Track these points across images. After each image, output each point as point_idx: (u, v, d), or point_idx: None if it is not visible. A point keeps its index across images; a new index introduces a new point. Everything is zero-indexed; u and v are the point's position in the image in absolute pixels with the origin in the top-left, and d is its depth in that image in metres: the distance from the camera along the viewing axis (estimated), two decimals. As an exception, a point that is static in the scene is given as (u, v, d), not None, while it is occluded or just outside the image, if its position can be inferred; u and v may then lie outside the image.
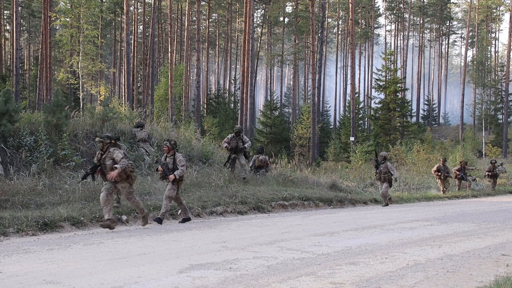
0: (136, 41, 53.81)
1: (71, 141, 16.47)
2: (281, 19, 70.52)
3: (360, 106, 52.52)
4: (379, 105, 46.01)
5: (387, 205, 18.35)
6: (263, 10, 69.55)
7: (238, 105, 46.62)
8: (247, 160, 18.66)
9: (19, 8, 42.58)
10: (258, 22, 68.42)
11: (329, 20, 73.99)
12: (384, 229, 11.30)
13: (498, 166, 26.81)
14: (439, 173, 23.25)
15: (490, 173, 26.28)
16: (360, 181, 24.53)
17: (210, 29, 71.93)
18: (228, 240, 9.54)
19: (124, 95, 39.33)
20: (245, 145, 17.61)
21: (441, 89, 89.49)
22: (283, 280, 6.44)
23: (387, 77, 45.37)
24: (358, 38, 70.97)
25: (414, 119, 64.52)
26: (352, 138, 38.95)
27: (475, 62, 67.44)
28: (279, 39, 75.37)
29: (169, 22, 53.92)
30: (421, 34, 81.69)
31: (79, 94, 31.71)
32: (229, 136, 17.90)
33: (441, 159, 24.36)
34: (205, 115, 53.50)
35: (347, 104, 58.48)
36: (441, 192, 23.00)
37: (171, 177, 12.02)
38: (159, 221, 11.93)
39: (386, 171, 18.41)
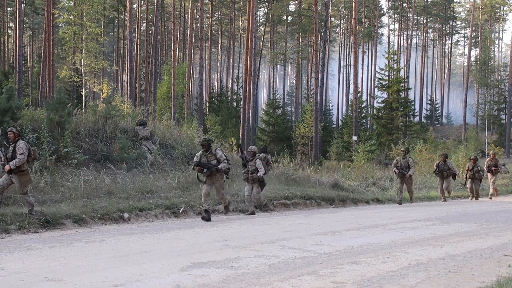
0: (139, 39, 53.82)
1: (73, 138, 16.49)
2: (284, 17, 70.41)
3: (362, 106, 52.39)
4: (381, 105, 45.96)
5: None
6: (266, 9, 69.43)
7: (241, 103, 46.59)
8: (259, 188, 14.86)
9: (22, 5, 42.60)
10: (261, 21, 68.30)
11: (332, 19, 73.88)
12: (386, 229, 11.28)
13: (487, 164, 23.02)
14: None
15: (470, 173, 21.88)
16: (362, 181, 24.50)
17: (213, 27, 71.85)
18: (230, 239, 9.53)
19: (127, 93, 39.36)
20: (221, 165, 12.37)
21: (444, 89, 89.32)
22: (285, 279, 6.43)
23: (390, 77, 45.29)
24: (361, 37, 70.82)
25: (416, 118, 64.35)
26: (354, 138, 38.87)
27: (478, 62, 67.27)
28: (282, 37, 75.26)
29: (172, 20, 53.84)
30: (424, 34, 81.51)
31: (82, 91, 31.76)
32: (198, 154, 12.75)
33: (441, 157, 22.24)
34: (207, 113, 53.46)
35: (349, 103, 58.30)
36: (445, 194, 20.83)
37: None
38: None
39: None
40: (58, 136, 15.90)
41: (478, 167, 22.00)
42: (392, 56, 46.08)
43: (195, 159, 12.45)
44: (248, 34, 38.70)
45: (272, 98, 54.63)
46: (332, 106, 75.63)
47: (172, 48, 49.92)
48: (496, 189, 22.88)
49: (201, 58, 42.17)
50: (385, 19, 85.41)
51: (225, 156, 12.55)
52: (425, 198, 21.14)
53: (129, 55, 37.05)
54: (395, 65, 45.91)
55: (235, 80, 67.43)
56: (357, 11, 48.29)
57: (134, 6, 50.06)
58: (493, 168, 22.60)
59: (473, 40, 76.42)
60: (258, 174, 14.06)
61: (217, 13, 76.64)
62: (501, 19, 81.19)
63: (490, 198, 22.16)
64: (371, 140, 38.95)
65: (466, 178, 22.31)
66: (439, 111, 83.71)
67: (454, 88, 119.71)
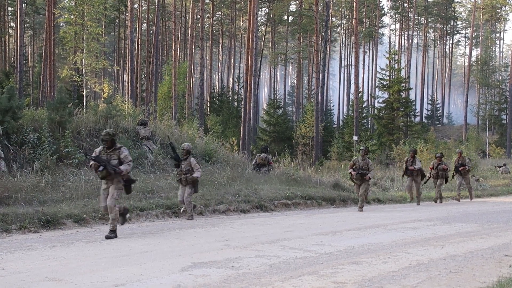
0: (140, 38, 53.82)
1: (74, 138, 16.49)
2: (285, 17, 70.43)
3: (363, 106, 52.38)
4: (382, 105, 45.93)
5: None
6: (267, 9, 69.46)
7: (242, 103, 46.60)
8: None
9: (23, 5, 42.58)
10: (262, 21, 68.24)
11: (333, 19, 73.87)
12: (387, 229, 11.28)
13: (466, 162, 20.80)
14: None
15: (434, 172, 20.13)
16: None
17: (214, 27, 71.81)
18: (231, 239, 9.53)
19: (128, 93, 39.35)
20: (122, 167, 10.08)
21: (445, 89, 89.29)
22: (285, 279, 6.43)
23: (391, 77, 45.25)
24: (362, 37, 70.84)
25: (417, 118, 64.31)
26: (355, 138, 38.86)
27: (479, 62, 67.28)
28: (283, 37, 75.30)
29: (173, 20, 53.78)
30: (425, 34, 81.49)
31: (83, 91, 31.77)
32: (97, 149, 10.56)
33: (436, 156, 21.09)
34: (208, 113, 53.47)
35: (350, 103, 58.32)
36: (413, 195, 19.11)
37: None
38: None
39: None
40: (59, 136, 15.89)
41: (444, 165, 19.96)
42: (393, 56, 46.05)
43: (93, 154, 10.25)
44: (249, 34, 38.70)
45: (273, 98, 54.65)
46: (333, 106, 75.63)
47: (173, 48, 49.88)
48: (470, 191, 21.30)
49: (202, 58, 42.19)
50: (386, 19, 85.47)
51: (131, 158, 10.27)
52: (425, 198, 21.10)
53: (130, 55, 37.06)
54: (396, 65, 45.88)
55: (236, 80, 67.45)
56: (358, 11, 48.28)
57: (135, 6, 50.03)
58: (460, 169, 20.51)
59: (474, 40, 76.44)
60: (195, 174, 12.64)
61: (218, 13, 76.68)
62: (502, 19, 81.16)
63: (458, 200, 20.46)
64: (372, 140, 38.97)
65: (429, 177, 20.19)
66: (440, 111, 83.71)
67: (455, 88, 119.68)
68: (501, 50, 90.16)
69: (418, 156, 30.83)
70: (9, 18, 62.33)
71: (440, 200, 19.87)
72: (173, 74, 43.72)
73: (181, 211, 12.96)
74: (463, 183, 20.92)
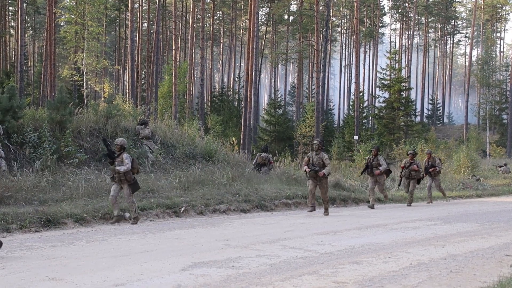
0: (141, 38, 53.81)
1: (74, 138, 16.49)
2: (286, 17, 70.43)
3: (364, 105, 52.36)
4: (383, 104, 45.95)
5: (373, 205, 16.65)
6: (267, 8, 69.46)
7: (242, 103, 46.63)
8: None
9: (24, 5, 42.60)
10: (262, 20, 68.24)
11: (334, 18, 73.87)
12: (388, 229, 11.28)
13: (435, 162, 19.79)
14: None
15: (405, 171, 18.67)
16: (364, 180, 24.42)
17: (214, 27, 71.85)
18: (231, 238, 9.53)
19: (128, 92, 39.37)
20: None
21: (445, 89, 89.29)
22: (286, 279, 6.42)
23: (392, 76, 45.27)
24: (363, 37, 70.85)
25: (418, 118, 64.36)
26: (356, 137, 38.83)
27: (479, 62, 67.27)
28: (284, 37, 75.27)
29: (174, 19, 53.84)
30: (426, 33, 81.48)
31: (83, 91, 31.73)
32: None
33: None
34: (209, 113, 53.49)
35: (351, 103, 58.32)
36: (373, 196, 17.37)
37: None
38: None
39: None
40: (60, 135, 15.89)
41: (416, 165, 18.58)
42: (394, 55, 46.06)
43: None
44: (249, 33, 38.68)
45: (273, 98, 54.66)
46: (334, 105, 75.63)
47: (174, 47, 49.93)
48: (443, 192, 20.20)
49: (203, 58, 42.18)
50: (386, 18, 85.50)
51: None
52: (426, 198, 21.07)
53: (131, 54, 37.07)
54: (397, 64, 45.88)
55: (236, 79, 67.48)
56: (359, 10, 48.24)
57: (136, 5, 50.01)
58: (431, 170, 19.47)
59: (474, 40, 76.39)
60: (121, 169, 11.62)
61: (218, 12, 76.70)
62: (502, 19, 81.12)
63: (429, 202, 19.39)
64: (373, 140, 38.91)
65: (400, 177, 18.95)
66: (441, 110, 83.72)
67: (455, 88, 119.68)
68: (502, 49, 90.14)
69: (418, 155, 31.06)
70: (9, 17, 62.33)
71: (410, 201, 18.37)
72: (173, 73, 43.73)
73: (181, 211, 12.94)
74: (433, 186, 19.79)
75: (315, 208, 14.34)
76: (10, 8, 60.74)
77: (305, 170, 14.36)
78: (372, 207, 16.62)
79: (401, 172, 18.87)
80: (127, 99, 30.62)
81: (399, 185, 19.40)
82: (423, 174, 19.34)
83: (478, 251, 8.58)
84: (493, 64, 69.27)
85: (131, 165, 11.77)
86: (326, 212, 14.29)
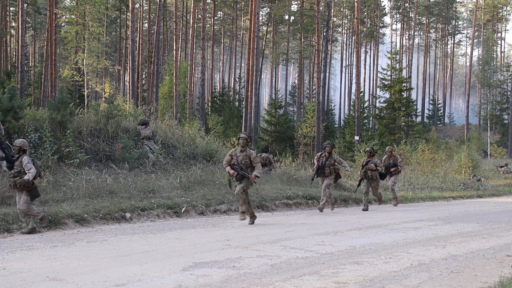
0: (141, 38, 53.81)
1: (75, 138, 16.50)
2: (287, 17, 70.45)
3: (365, 105, 52.33)
4: (384, 104, 45.88)
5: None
6: (268, 9, 69.49)
7: (243, 103, 46.61)
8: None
9: (25, 5, 42.61)
10: (263, 21, 68.29)
11: (335, 19, 73.87)
12: (388, 229, 11.27)
13: (396, 161, 18.33)
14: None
15: (362, 171, 16.83)
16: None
17: (215, 27, 71.89)
18: (232, 239, 9.53)
19: (129, 93, 39.34)
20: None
21: (446, 89, 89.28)
22: (287, 279, 6.42)
23: (392, 76, 45.22)
24: (364, 37, 70.84)
25: (419, 118, 64.33)
26: (356, 137, 38.81)
27: (480, 62, 67.24)
28: (284, 37, 75.29)
29: (174, 19, 53.88)
30: (426, 34, 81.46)
31: (84, 91, 31.73)
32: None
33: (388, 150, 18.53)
34: (209, 113, 53.48)
35: (352, 103, 58.32)
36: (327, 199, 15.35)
37: None
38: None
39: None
40: (60, 135, 15.90)
41: (375, 164, 16.63)
42: (394, 56, 46.01)
43: None
44: (250, 33, 38.68)
45: (274, 98, 54.60)
46: (334, 106, 75.60)
47: (174, 47, 49.92)
48: (396, 198, 18.21)
49: (203, 58, 42.19)
50: (387, 19, 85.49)
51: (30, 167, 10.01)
52: (427, 198, 21.09)
53: (131, 54, 37.04)
54: (397, 65, 45.83)
55: (237, 79, 67.47)
56: (359, 11, 48.26)
57: (137, 5, 50.02)
58: (392, 169, 18.09)
59: (475, 40, 76.39)
60: (25, 177, 10.22)
61: (219, 12, 76.70)
62: (503, 19, 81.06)
63: (395, 205, 17.99)
64: (373, 140, 38.88)
65: (361, 178, 16.98)
66: (442, 111, 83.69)
67: (456, 88, 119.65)
68: (503, 50, 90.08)
69: (418, 156, 31.02)
70: (10, 18, 62.38)
71: (366, 207, 16.15)
72: (174, 74, 43.72)
73: (182, 211, 12.93)
74: (393, 187, 18.17)
75: (246, 217, 12.01)
76: (11, 8, 60.79)
77: (229, 173, 11.76)
78: (365, 209, 15.82)
79: (360, 172, 17.04)
80: (127, 99, 30.64)
81: (358, 185, 17.54)
82: (383, 173, 17.51)
83: (479, 251, 8.57)
84: (494, 64, 69.22)
85: (34, 169, 10.37)
86: (251, 220, 11.90)
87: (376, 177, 16.82)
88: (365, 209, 15.99)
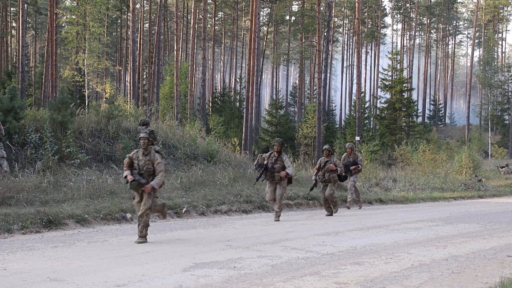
0: (142, 39, 53.85)
1: (76, 138, 16.50)
2: (287, 18, 70.47)
3: (365, 106, 52.34)
4: (385, 105, 45.91)
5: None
6: (269, 9, 69.48)
7: (244, 103, 46.60)
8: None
9: (25, 5, 42.64)
10: (264, 21, 68.27)
11: (335, 19, 73.85)
12: (389, 229, 11.26)
13: (353, 159, 16.91)
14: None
15: (320, 173, 14.57)
16: (365, 181, 24.44)
17: (216, 27, 71.90)
18: (233, 239, 9.52)
19: (130, 93, 39.33)
20: None
21: (447, 89, 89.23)
22: (288, 280, 6.41)
23: (393, 77, 45.24)
24: (365, 37, 70.79)
25: (420, 119, 64.30)
26: (357, 138, 38.80)
27: (481, 63, 67.22)
28: (285, 37, 75.32)
29: (175, 20, 53.92)
30: (427, 34, 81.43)
31: (85, 91, 31.71)
32: None
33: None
34: (210, 113, 53.48)
35: (352, 103, 58.34)
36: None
37: None
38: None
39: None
40: (61, 136, 15.89)
41: (334, 163, 14.39)
42: (395, 56, 46.03)
43: None
44: (251, 34, 38.66)
45: (275, 98, 54.58)
46: (335, 106, 75.54)
47: (175, 48, 50.00)
48: (359, 200, 17.00)
49: (204, 58, 42.18)
50: (388, 19, 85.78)
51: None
52: (428, 198, 21.09)
53: (132, 55, 37.04)
54: (398, 65, 45.85)
55: (238, 80, 67.46)
56: (360, 11, 48.26)
57: (137, 6, 50.08)
58: (352, 168, 16.53)
59: (476, 41, 76.35)
60: None
61: (220, 13, 76.70)
62: (504, 20, 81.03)
63: (348, 208, 16.48)
64: (374, 141, 38.90)
65: (315, 180, 14.74)
66: (442, 111, 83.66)
67: (457, 89, 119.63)
68: (504, 50, 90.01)
69: (419, 156, 30.97)
70: (11, 18, 62.41)
71: (330, 211, 14.55)
72: (175, 74, 43.73)
73: (183, 212, 12.92)
74: (352, 189, 16.66)
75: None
76: (12, 8, 60.81)
77: (126, 177, 9.37)
78: (277, 217, 13.02)
79: (315, 175, 14.58)
80: (128, 100, 30.62)
81: (311, 189, 14.96)
82: (342, 173, 15.18)
83: (480, 252, 8.56)
84: (495, 64, 69.21)
85: None
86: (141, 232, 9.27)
87: (335, 180, 14.43)
88: (330, 214, 14.20)
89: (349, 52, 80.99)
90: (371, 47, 78.23)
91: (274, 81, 74.76)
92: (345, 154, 17.09)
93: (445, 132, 70.02)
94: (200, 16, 54.62)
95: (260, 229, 11.18)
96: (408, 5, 78.23)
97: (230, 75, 76.86)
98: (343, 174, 15.28)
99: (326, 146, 14.79)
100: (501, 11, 78.31)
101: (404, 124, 44.05)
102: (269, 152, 13.70)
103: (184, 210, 12.96)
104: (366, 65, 74.16)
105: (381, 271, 6.96)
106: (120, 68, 61.89)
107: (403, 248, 8.76)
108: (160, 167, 9.33)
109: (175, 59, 46.59)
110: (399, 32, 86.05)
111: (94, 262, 7.42)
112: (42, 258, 7.68)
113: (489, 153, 51.91)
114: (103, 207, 11.98)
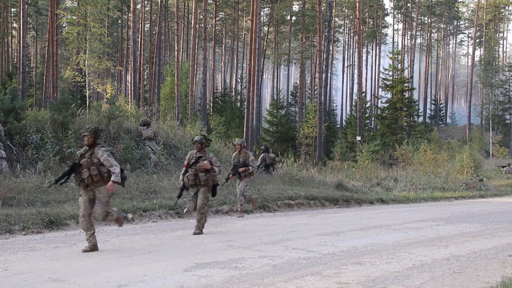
0: (143, 39, 53.79)
1: (77, 139, 16.48)
2: (288, 18, 70.38)
3: (366, 106, 52.34)
4: (385, 105, 45.87)
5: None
6: (270, 9, 69.45)
7: (245, 103, 46.59)
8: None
9: (26, 6, 42.64)
10: (264, 21, 68.28)
11: (336, 19, 73.83)
12: (390, 229, 11.26)
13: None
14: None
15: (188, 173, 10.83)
16: (367, 181, 24.45)
17: (216, 27, 71.89)
18: (234, 239, 9.53)
19: (130, 93, 39.34)
20: None
21: (448, 89, 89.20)
22: (289, 280, 6.41)
23: (394, 77, 45.23)
24: (365, 37, 70.75)
25: (421, 118, 64.33)
26: (358, 138, 38.79)
27: (482, 62, 67.21)
28: (286, 37, 75.21)
29: (176, 20, 53.90)
30: (428, 34, 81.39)
31: (85, 92, 31.74)
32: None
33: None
34: (211, 113, 53.46)
35: (353, 103, 58.33)
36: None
37: None
38: None
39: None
40: (62, 136, 15.91)
41: (209, 161, 10.60)
42: (396, 56, 46.01)
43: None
44: (251, 34, 38.65)
45: (276, 98, 54.56)
46: (336, 106, 75.54)
47: (176, 48, 49.98)
48: (253, 200, 14.41)
49: (205, 58, 42.15)
50: (389, 19, 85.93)
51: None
52: (429, 198, 21.07)
53: (133, 55, 37.04)
54: (399, 65, 45.84)
55: (238, 80, 67.45)
56: (361, 11, 48.21)
57: (138, 6, 50.09)
58: (241, 170, 13.74)
59: (477, 40, 76.32)
60: None
61: (220, 13, 76.66)
62: (505, 19, 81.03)
63: (240, 217, 13.68)
64: (375, 140, 38.88)
65: (182, 181, 10.76)
66: (443, 111, 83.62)
67: (458, 88, 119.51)
68: (505, 50, 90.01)
69: (420, 156, 30.96)
70: (12, 18, 62.43)
71: (242, 213, 13.73)
72: (175, 74, 43.71)
73: (184, 212, 12.91)
74: (243, 190, 13.85)
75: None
76: (13, 9, 60.84)
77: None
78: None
79: (183, 175, 10.77)
80: (129, 100, 30.62)
81: (179, 196, 10.96)
82: (229, 175, 13.81)
83: (481, 251, 8.56)
84: (496, 64, 69.18)
85: None
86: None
87: (206, 184, 10.63)
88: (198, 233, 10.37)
89: (350, 52, 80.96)
90: (372, 46, 78.23)
91: (275, 81, 74.74)
92: (235, 153, 14.21)
93: (446, 132, 70.00)
94: (201, 16, 54.64)
95: (261, 229, 11.18)
96: (409, 4, 78.17)
97: (231, 75, 76.83)
98: (231, 176, 13.70)
99: (197, 138, 10.76)
100: (502, 10, 78.26)
101: (405, 123, 44.02)
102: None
103: (185, 210, 12.94)
104: (367, 65, 74.14)
105: (382, 271, 6.96)
106: (121, 69, 61.88)
107: (404, 248, 8.76)
108: (113, 161, 8.67)
109: (176, 59, 46.57)
110: (400, 32, 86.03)
111: (96, 262, 7.43)
112: (44, 259, 7.68)
113: (490, 153, 51.88)
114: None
